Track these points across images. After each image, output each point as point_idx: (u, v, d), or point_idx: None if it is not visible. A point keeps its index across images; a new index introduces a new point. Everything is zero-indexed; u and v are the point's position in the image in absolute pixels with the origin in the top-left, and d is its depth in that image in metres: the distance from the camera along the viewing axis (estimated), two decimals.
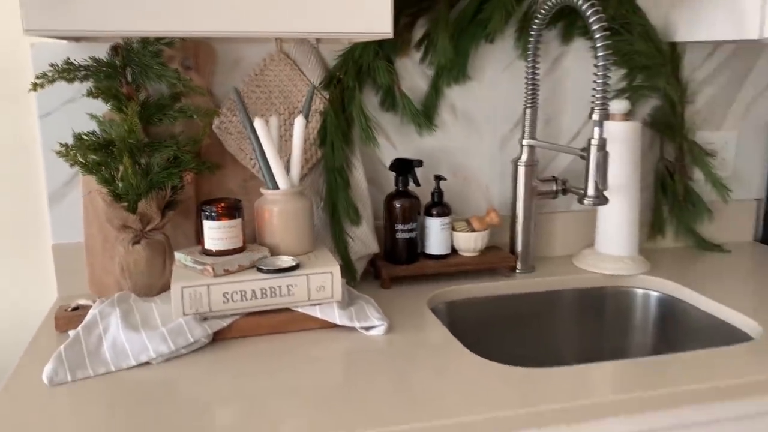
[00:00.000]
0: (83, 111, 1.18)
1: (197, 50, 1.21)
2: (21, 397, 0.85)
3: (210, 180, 1.24)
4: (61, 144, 1.05)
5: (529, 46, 1.28)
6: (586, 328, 1.33)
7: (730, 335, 1.13)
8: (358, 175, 1.27)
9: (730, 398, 0.90)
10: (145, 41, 1.07)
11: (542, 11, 1.22)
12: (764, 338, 1.03)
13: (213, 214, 1.06)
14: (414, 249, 1.28)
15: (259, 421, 0.79)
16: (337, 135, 1.23)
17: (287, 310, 1.07)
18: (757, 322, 1.09)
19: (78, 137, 1.05)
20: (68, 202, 1.21)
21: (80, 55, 1.14)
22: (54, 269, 1.22)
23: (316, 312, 1.06)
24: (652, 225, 1.50)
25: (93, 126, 1.13)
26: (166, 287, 1.13)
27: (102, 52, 1.13)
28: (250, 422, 0.78)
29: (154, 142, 1.09)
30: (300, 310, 1.06)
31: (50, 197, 1.20)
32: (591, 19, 1.07)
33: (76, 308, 1.09)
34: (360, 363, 0.95)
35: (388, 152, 1.34)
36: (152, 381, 0.90)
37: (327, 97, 1.24)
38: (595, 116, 1.09)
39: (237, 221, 1.08)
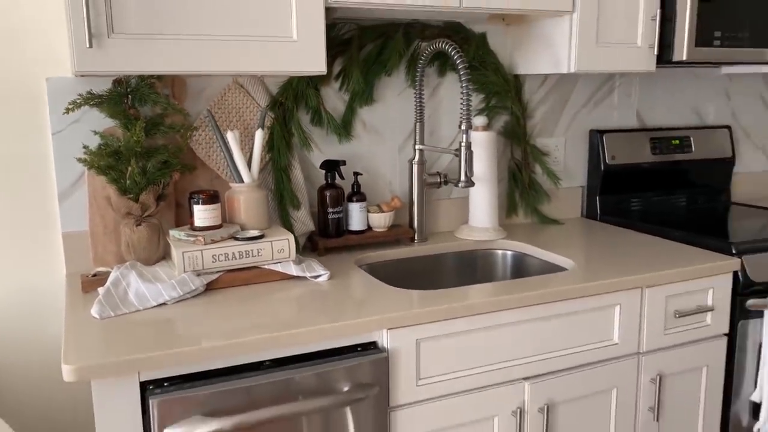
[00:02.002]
0: (86, 129, 1.54)
1: (173, 82, 1.61)
2: (85, 326, 1.22)
3: (184, 180, 1.63)
4: (84, 152, 1.42)
5: (416, 78, 1.78)
6: (464, 277, 1.84)
7: (557, 269, 1.67)
8: (297, 173, 1.72)
9: (553, 300, 1.42)
10: (141, 77, 1.47)
11: (424, 54, 1.74)
12: (575, 269, 1.58)
13: (200, 199, 1.47)
14: (341, 226, 1.74)
15: (238, 336, 1.21)
16: (282, 143, 1.67)
17: (257, 267, 1.49)
18: (573, 261, 1.64)
19: (97, 147, 1.43)
20: (73, 199, 1.56)
21: (85, 88, 1.51)
22: (63, 252, 1.57)
23: (278, 267, 1.49)
24: (507, 206, 2.05)
25: (91, 141, 1.52)
26: (160, 258, 1.52)
27: (100, 86, 1.50)
28: (232, 338, 1.21)
29: (151, 149, 1.48)
30: (266, 266, 1.49)
31: (60, 196, 1.55)
32: (457, 60, 1.59)
33: (95, 275, 1.45)
34: (310, 299, 1.39)
35: (317, 156, 1.79)
36: (168, 315, 1.29)
37: (273, 116, 1.68)
38: (463, 126, 1.61)
39: (217, 205, 1.49)
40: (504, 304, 1.38)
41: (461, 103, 1.59)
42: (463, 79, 1.58)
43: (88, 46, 1.23)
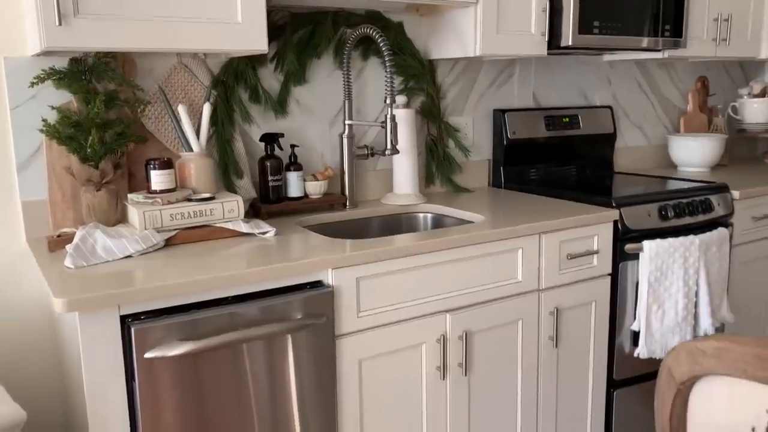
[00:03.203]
0: (41, 105, 1.67)
1: (124, 62, 1.76)
2: (63, 274, 1.37)
3: (135, 152, 1.78)
4: (44, 124, 1.56)
5: (344, 61, 2.01)
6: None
7: (470, 224, 1.95)
8: (239, 145, 1.91)
9: (467, 244, 1.69)
10: (97, 55, 1.62)
11: (351, 39, 1.97)
12: (485, 222, 1.86)
13: (156, 165, 1.64)
14: (280, 193, 1.94)
15: (200, 275, 1.41)
16: (225, 118, 1.86)
17: (209, 225, 1.67)
18: (482, 216, 1.92)
19: (60, 119, 1.56)
20: (31, 170, 1.68)
21: (40, 66, 1.64)
22: (22, 219, 1.68)
23: (229, 225, 1.68)
24: (425, 177, 2.31)
25: (47, 115, 1.65)
26: (118, 221, 1.67)
27: (56, 64, 1.63)
28: (196, 275, 1.40)
29: (109, 121, 1.63)
30: (218, 225, 1.67)
31: (18, 167, 1.67)
32: (381, 43, 1.83)
33: (59, 236, 1.59)
34: (261, 250, 1.59)
35: (255, 131, 1.98)
36: (135, 264, 1.45)
37: (215, 93, 1.86)
38: (388, 101, 1.85)
39: (171, 170, 1.66)
40: (427, 247, 1.63)
41: (386, 81, 1.83)
42: (387, 59, 1.82)
43: (57, 24, 1.38)
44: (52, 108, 1.64)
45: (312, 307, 1.48)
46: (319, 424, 1.53)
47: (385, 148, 1.89)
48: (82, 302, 1.24)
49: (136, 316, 1.32)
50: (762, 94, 2.96)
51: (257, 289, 1.44)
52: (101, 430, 1.30)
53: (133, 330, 1.28)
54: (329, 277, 1.52)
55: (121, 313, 1.30)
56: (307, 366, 1.49)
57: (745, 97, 2.98)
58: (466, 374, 1.74)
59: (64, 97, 1.66)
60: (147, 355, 1.30)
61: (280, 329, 1.42)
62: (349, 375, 1.57)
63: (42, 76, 1.53)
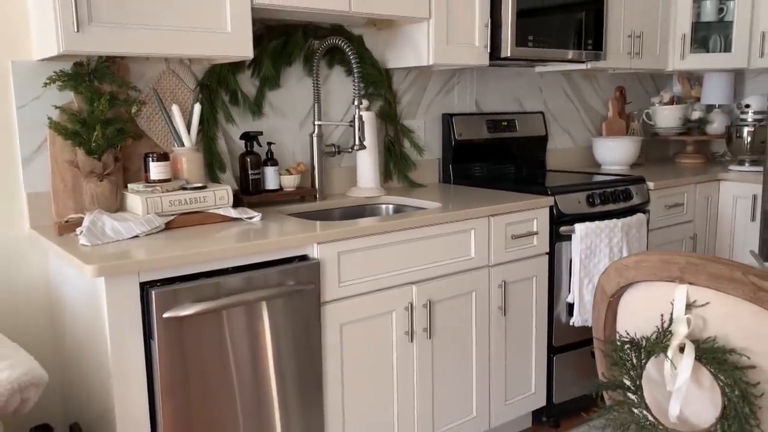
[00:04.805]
0: (45, 105, 1.84)
1: (118, 67, 1.95)
2: (80, 251, 1.56)
3: (129, 148, 1.97)
4: (49, 122, 1.73)
5: (313, 68, 2.26)
6: None
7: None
8: (222, 143, 2.12)
9: (427, 224, 1.96)
10: (98, 60, 1.82)
11: (320, 48, 2.22)
12: (439, 208, 2.13)
13: (155, 157, 1.83)
14: (259, 186, 2.16)
15: (206, 248, 1.62)
16: (210, 117, 2.07)
17: (202, 211, 1.87)
18: (437, 203, 2.19)
19: (69, 115, 1.74)
20: (35, 164, 1.85)
21: (44, 69, 1.81)
22: (27, 209, 1.84)
23: (220, 211, 1.89)
24: (384, 173, 2.58)
25: (50, 114, 1.82)
26: (119, 208, 1.85)
27: (59, 67, 1.81)
28: (204, 247, 1.62)
29: (110, 119, 1.82)
30: (210, 211, 1.88)
31: (23, 161, 1.83)
32: (349, 54, 2.09)
33: (67, 221, 1.76)
34: (252, 231, 1.81)
35: (234, 130, 2.20)
36: (142, 243, 1.65)
37: (200, 96, 2.07)
38: (356, 102, 2.11)
39: (168, 162, 1.86)
40: (397, 226, 1.89)
41: (353, 85, 2.09)
42: (354, 66, 2.09)
43: (75, 30, 1.57)
44: (56, 107, 1.82)
45: (302, 276, 1.71)
46: (308, 377, 1.76)
47: (354, 144, 2.15)
48: (109, 269, 1.43)
49: (151, 284, 1.51)
50: (671, 102, 3.39)
51: (254, 261, 1.66)
52: (123, 382, 1.49)
53: (153, 293, 1.48)
54: (314, 251, 1.75)
55: (141, 280, 1.50)
56: (299, 327, 1.72)
57: (657, 104, 3.40)
58: (430, 338, 2.01)
59: (65, 97, 1.84)
60: (165, 315, 1.50)
61: (278, 292, 1.65)
62: (332, 337, 1.80)
63: (53, 77, 1.72)
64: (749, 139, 3.06)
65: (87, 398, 1.70)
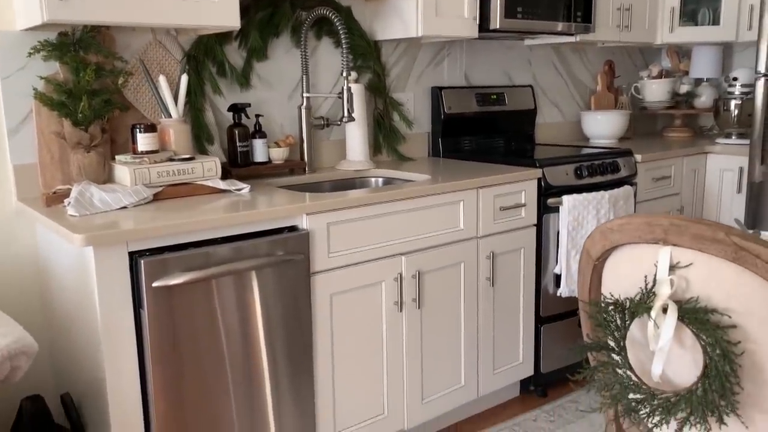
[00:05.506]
0: (30, 75, 1.82)
1: (104, 38, 1.93)
2: (68, 221, 1.55)
3: (118, 119, 1.96)
4: (34, 92, 1.72)
5: (301, 40, 2.25)
6: None
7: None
8: (209, 114, 2.11)
9: (416, 196, 1.97)
10: (83, 30, 1.79)
11: (308, 19, 2.20)
12: (428, 180, 2.14)
13: (142, 128, 1.82)
14: (248, 158, 2.16)
15: (196, 218, 1.62)
16: (197, 89, 2.06)
17: (190, 183, 1.87)
18: (426, 175, 2.20)
19: (55, 86, 1.73)
20: (21, 136, 1.83)
21: (28, 40, 1.79)
22: (13, 180, 1.83)
23: (209, 183, 1.89)
24: (374, 147, 2.58)
25: (36, 84, 1.80)
26: (107, 180, 1.85)
27: (43, 37, 1.79)
28: (192, 217, 1.62)
29: (96, 90, 1.81)
30: (198, 182, 1.88)
31: (9, 133, 1.82)
32: (338, 24, 2.07)
33: (55, 192, 1.75)
34: (241, 203, 1.81)
35: (222, 102, 2.19)
36: (131, 214, 1.65)
37: (187, 67, 2.06)
38: (344, 74, 2.10)
39: (155, 133, 1.85)
40: (386, 197, 1.90)
41: (342, 56, 2.08)
42: (343, 37, 2.07)
43: None
44: (41, 78, 1.80)
45: (291, 246, 1.71)
46: (298, 346, 1.77)
47: (343, 116, 2.14)
48: (97, 238, 1.43)
49: (140, 253, 1.52)
50: (659, 76, 3.40)
51: (243, 232, 1.66)
52: (114, 351, 1.50)
53: (142, 262, 1.49)
54: (304, 222, 1.76)
55: (129, 249, 1.50)
56: (289, 297, 1.73)
57: (645, 78, 3.41)
58: (419, 308, 2.03)
59: (50, 68, 1.82)
60: (155, 284, 1.50)
61: (268, 262, 1.65)
62: (322, 307, 1.81)
63: (38, 47, 1.70)
64: (736, 112, 3.08)
65: (77, 368, 1.71)
